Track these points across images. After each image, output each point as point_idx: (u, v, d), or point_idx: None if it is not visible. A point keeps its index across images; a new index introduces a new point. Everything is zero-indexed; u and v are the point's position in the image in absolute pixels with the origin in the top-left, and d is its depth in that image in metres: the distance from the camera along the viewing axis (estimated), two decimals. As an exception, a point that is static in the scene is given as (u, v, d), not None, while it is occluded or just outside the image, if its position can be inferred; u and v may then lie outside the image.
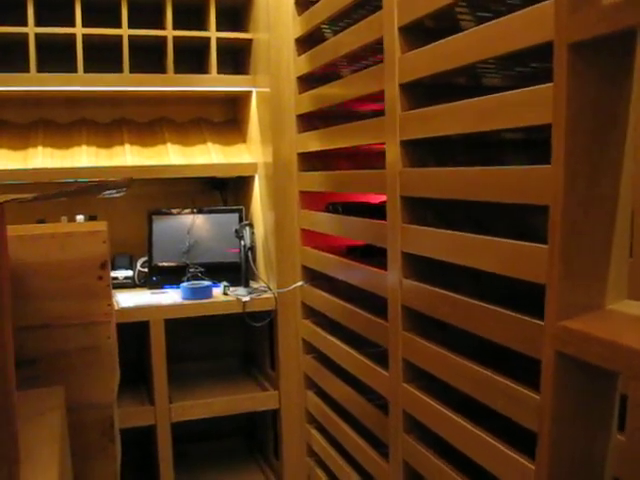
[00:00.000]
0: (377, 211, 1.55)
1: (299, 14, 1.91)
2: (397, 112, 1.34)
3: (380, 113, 1.41)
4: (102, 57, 2.11)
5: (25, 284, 1.37)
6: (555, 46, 0.73)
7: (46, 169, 2.01)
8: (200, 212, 2.28)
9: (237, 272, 2.14)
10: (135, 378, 2.18)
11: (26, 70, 1.97)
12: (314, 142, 1.87)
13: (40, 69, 1.99)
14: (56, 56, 2.07)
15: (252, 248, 2.14)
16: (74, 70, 2.00)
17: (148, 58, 2.21)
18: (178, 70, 2.12)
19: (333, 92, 1.71)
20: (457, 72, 1.21)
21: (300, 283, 2.04)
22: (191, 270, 2.18)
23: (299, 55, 1.94)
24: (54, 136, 2.18)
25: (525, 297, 0.98)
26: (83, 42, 2.00)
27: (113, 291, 1.82)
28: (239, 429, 2.53)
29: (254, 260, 2.16)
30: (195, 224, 2.26)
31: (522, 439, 0.98)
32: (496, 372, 1.06)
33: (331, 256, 1.80)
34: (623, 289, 0.75)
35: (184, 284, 2.07)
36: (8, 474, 0.89)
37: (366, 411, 1.61)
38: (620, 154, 0.71)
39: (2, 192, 1.86)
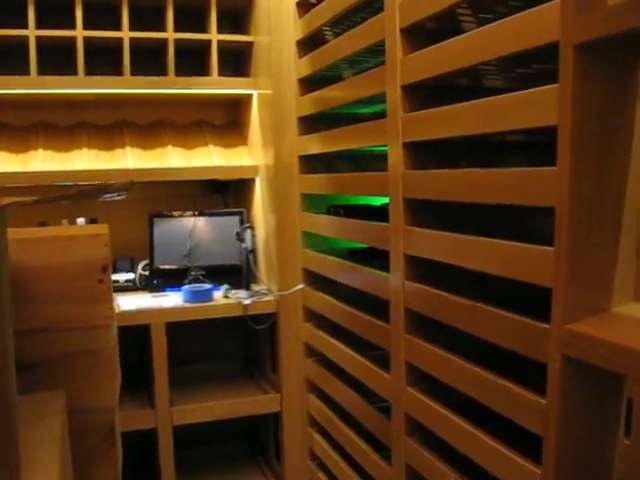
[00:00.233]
0: (378, 213, 1.54)
1: (300, 16, 1.91)
2: (399, 114, 1.33)
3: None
4: (103, 59, 2.11)
5: (26, 287, 1.36)
6: (561, 47, 0.73)
7: (46, 172, 2.00)
8: (201, 215, 2.28)
9: (238, 275, 2.13)
10: (136, 381, 2.18)
11: (26, 73, 1.96)
12: (315, 144, 1.87)
13: (41, 72, 1.98)
14: (57, 59, 2.07)
15: (253, 251, 2.14)
16: (75, 73, 1.99)
17: (149, 61, 2.20)
18: (179, 73, 2.11)
19: (334, 94, 1.71)
20: (459, 74, 1.20)
21: (301, 286, 2.04)
22: (192, 273, 2.18)
23: (300, 57, 1.94)
24: (54, 139, 2.18)
25: (529, 299, 0.97)
26: (84, 45, 1.99)
27: (114, 294, 1.81)
28: (241, 432, 2.52)
29: (255, 263, 2.16)
30: (196, 227, 2.26)
31: (525, 440, 0.98)
32: (500, 375, 1.05)
33: (332, 258, 1.79)
34: (629, 292, 0.75)
35: (185, 287, 2.07)
36: (9, 479, 0.88)
37: (368, 414, 1.60)
38: (627, 156, 0.70)
39: (2, 195, 1.85)
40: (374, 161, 1.87)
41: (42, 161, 2.05)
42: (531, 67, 1.24)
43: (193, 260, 2.22)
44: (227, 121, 2.47)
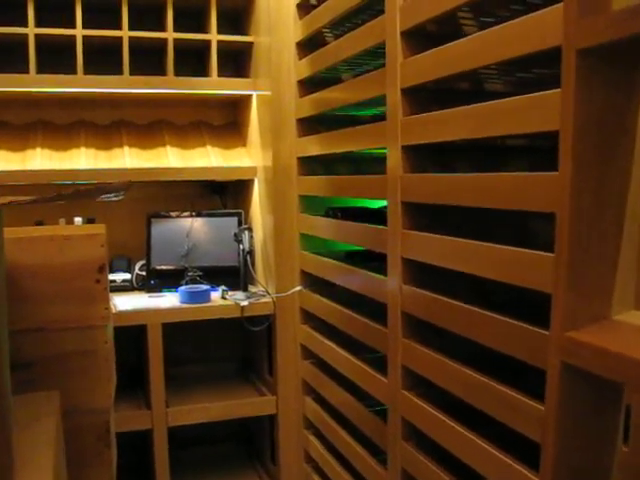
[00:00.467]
0: (376, 216, 1.54)
1: (300, 18, 1.90)
2: (398, 117, 1.33)
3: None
4: (102, 59, 2.10)
5: (22, 287, 1.36)
6: (563, 52, 0.72)
7: (44, 171, 2.00)
8: (199, 215, 2.27)
9: (236, 276, 2.13)
10: (132, 382, 2.17)
11: (26, 71, 1.95)
12: (314, 146, 1.86)
13: (40, 70, 1.97)
14: (56, 57, 2.06)
15: (251, 252, 2.13)
16: (74, 72, 1.99)
17: (148, 60, 2.20)
18: (178, 72, 2.11)
19: (334, 96, 1.70)
20: (460, 77, 1.20)
21: (299, 288, 2.03)
22: (189, 274, 2.17)
23: (300, 59, 1.93)
24: (53, 138, 2.17)
25: (528, 304, 0.97)
26: (83, 43, 1.99)
27: (111, 294, 1.80)
28: (236, 434, 2.51)
29: (253, 264, 2.15)
30: (194, 227, 2.25)
31: (522, 445, 0.97)
32: (498, 381, 1.05)
33: (330, 261, 1.79)
34: (630, 300, 0.74)
35: (182, 288, 2.06)
36: (2, 480, 0.87)
37: (364, 418, 1.60)
38: (629, 162, 0.70)
39: (0, 194, 1.84)
40: (373, 164, 1.87)
41: (40, 160, 2.04)
42: (531, 71, 1.24)
43: (190, 261, 2.21)
44: (226, 122, 2.47)
